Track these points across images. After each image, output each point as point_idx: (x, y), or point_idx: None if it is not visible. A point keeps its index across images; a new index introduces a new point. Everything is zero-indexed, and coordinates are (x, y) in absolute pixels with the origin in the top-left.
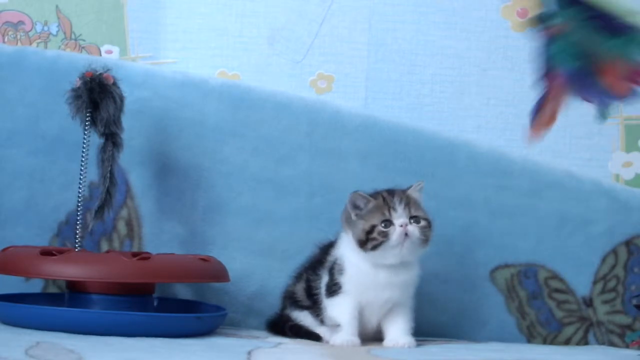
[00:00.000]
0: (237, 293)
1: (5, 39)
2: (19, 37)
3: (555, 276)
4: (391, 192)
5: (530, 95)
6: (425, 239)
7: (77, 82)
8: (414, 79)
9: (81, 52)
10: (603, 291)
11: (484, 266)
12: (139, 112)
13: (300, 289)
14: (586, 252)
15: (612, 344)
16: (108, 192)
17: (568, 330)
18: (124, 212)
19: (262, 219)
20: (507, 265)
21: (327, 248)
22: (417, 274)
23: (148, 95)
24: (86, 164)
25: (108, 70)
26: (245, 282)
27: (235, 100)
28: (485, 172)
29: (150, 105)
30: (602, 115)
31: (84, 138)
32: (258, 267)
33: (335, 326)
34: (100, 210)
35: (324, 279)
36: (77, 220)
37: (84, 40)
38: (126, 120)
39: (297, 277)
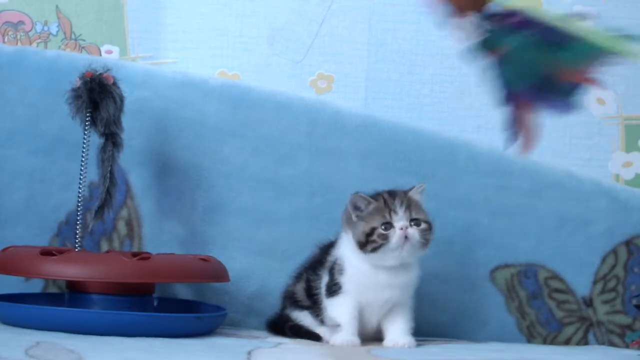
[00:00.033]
0: (237, 293)
1: (5, 39)
2: (19, 37)
3: (555, 276)
4: (392, 194)
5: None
6: (425, 242)
7: (77, 82)
8: (414, 79)
9: (81, 52)
10: (603, 291)
11: (484, 266)
12: (139, 112)
13: (300, 289)
14: (586, 252)
15: (612, 344)
16: (108, 192)
17: (568, 330)
18: (124, 212)
19: (262, 219)
20: (507, 265)
21: (327, 248)
22: (417, 274)
23: (148, 95)
24: (86, 164)
25: (108, 70)
26: (245, 282)
27: (235, 100)
28: (485, 172)
29: (150, 105)
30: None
31: (84, 138)
32: (258, 267)
33: (335, 326)
34: (100, 210)
35: (324, 279)
36: (77, 220)
37: (84, 40)
38: (126, 120)
39: (297, 277)
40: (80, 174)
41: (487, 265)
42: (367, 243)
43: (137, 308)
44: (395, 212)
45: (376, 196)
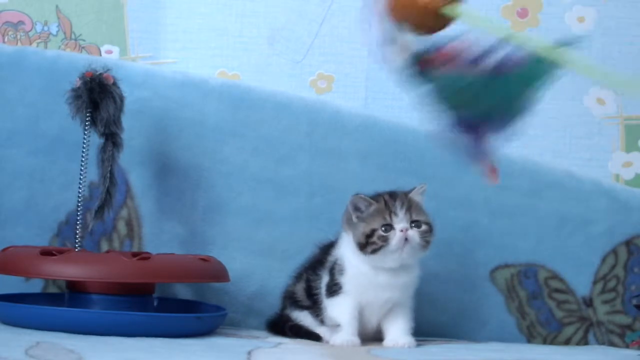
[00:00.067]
0: (237, 293)
1: (5, 39)
2: (19, 37)
3: (555, 276)
4: (393, 195)
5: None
6: (425, 244)
7: (77, 82)
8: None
9: (81, 52)
10: (603, 291)
11: (484, 266)
12: (139, 112)
13: (300, 289)
14: (586, 252)
15: (612, 344)
16: (108, 192)
17: (568, 330)
18: (124, 212)
19: (262, 219)
20: (507, 265)
21: (327, 248)
22: (417, 275)
23: (148, 95)
24: (86, 164)
25: (108, 70)
26: (245, 282)
27: (235, 100)
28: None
29: (150, 105)
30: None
31: (84, 138)
32: (258, 267)
33: (336, 326)
34: (100, 210)
35: (324, 279)
36: (77, 220)
37: (84, 40)
38: (126, 120)
39: (297, 277)
40: (80, 174)
41: (487, 265)
42: (367, 244)
43: (137, 308)
44: (395, 213)
45: (377, 197)
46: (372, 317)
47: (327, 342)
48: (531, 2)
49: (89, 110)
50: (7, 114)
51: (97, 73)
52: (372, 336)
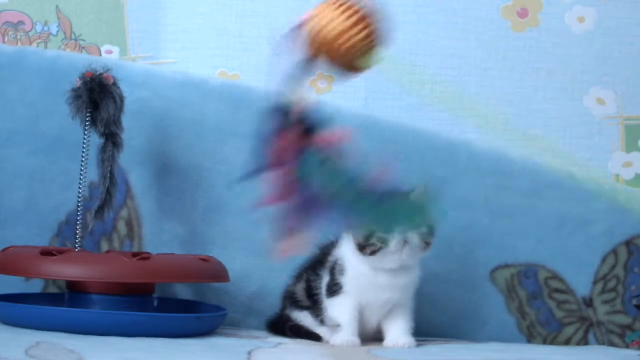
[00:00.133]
0: (237, 293)
1: (5, 39)
2: (19, 37)
3: (555, 276)
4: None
5: (530, 95)
6: (425, 245)
7: (77, 82)
8: (414, 79)
9: (81, 52)
10: (603, 291)
11: (484, 266)
12: (139, 112)
13: (300, 289)
14: (586, 252)
15: (612, 344)
16: (108, 192)
17: (568, 330)
18: (124, 212)
19: (262, 219)
20: (507, 265)
21: (327, 248)
22: (417, 275)
23: (148, 95)
24: (86, 164)
25: (108, 70)
26: (245, 282)
27: (235, 100)
28: (485, 172)
29: (150, 105)
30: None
31: (84, 138)
32: (258, 267)
33: (336, 326)
34: (100, 210)
35: (325, 279)
36: (77, 220)
37: (84, 40)
38: (126, 120)
39: (297, 277)
40: (80, 174)
41: (487, 265)
42: (366, 246)
43: (137, 308)
44: None
45: None
46: (372, 317)
47: (327, 342)
48: (531, 2)
49: (89, 110)
50: (7, 114)
51: (97, 73)
52: (372, 336)
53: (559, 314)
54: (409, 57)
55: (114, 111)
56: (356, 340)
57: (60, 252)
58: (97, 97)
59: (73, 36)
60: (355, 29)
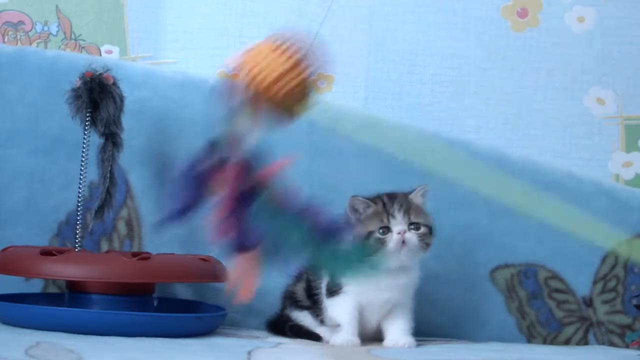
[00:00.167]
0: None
1: (5, 39)
2: (19, 37)
3: (555, 276)
4: (392, 197)
5: (530, 95)
6: (424, 246)
7: (77, 82)
8: (414, 79)
9: (81, 52)
10: (603, 291)
11: (484, 266)
12: (139, 112)
13: (300, 289)
14: (586, 252)
15: (612, 344)
16: (108, 192)
17: (568, 330)
18: (124, 212)
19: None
20: (507, 265)
21: None
22: (417, 276)
23: (148, 95)
24: (86, 164)
25: (108, 70)
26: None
27: None
28: (485, 172)
29: (150, 105)
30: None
31: (84, 138)
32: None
33: (336, 326)
34: (100, 210)
35: (325, 279)
36: (77, 220)
37: (84, 40)
38: (126, 120)
39: (297, 277)
40: (80, 174)
41: (487, 265)
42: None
43: (137, 308)
44: (393, 216)
45: (375, 199)
46: (372, 317)
47: (327, 342)
48: (531, 2)
49: (89, 110)
50: (7, 114)
51: (97, 73)
52: (372, 336)
53: (559, 314)
54: (409, 57)
55: (114, 111)
56: (356, 340)
57: (60, 252)
58: (97, 97)
59: (73, 36)
60: (293, 74)
